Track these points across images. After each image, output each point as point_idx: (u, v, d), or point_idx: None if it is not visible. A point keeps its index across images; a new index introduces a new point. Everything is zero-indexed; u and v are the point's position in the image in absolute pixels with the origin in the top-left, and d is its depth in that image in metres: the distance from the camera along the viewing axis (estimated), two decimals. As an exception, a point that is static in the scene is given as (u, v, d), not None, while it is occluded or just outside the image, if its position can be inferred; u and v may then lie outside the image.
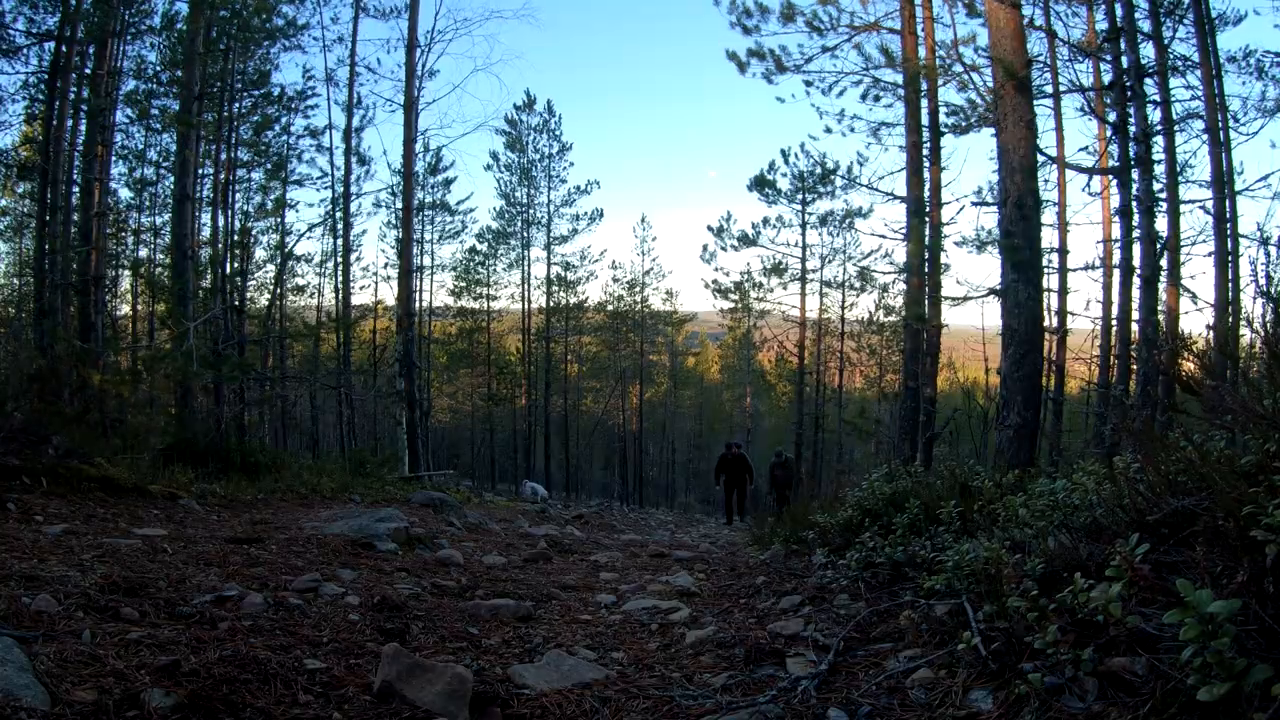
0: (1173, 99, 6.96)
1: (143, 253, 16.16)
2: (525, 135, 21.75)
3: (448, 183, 21.14)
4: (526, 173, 21.96)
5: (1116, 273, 7.83)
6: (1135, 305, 7.09)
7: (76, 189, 8.64)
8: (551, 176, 22.11)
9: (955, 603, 1.43)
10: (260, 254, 16.79)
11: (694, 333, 33.17)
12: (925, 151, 9.54)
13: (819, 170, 16.93)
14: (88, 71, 8.66)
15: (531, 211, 22.21)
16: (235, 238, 12.98)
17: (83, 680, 1.15)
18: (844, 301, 21.22)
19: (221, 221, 13.26)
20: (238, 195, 14.52)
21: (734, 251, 19.85)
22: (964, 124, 9.63)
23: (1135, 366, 6.93)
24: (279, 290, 14.53)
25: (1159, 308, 6.57)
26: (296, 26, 11.37)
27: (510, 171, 22.03)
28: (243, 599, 1.73)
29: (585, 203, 34.62)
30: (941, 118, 9.60)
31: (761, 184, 18.11)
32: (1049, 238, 8.77)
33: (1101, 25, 7.85)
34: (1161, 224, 6.82)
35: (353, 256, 17.66)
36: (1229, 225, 6.38)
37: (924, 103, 9.55)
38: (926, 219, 9.57)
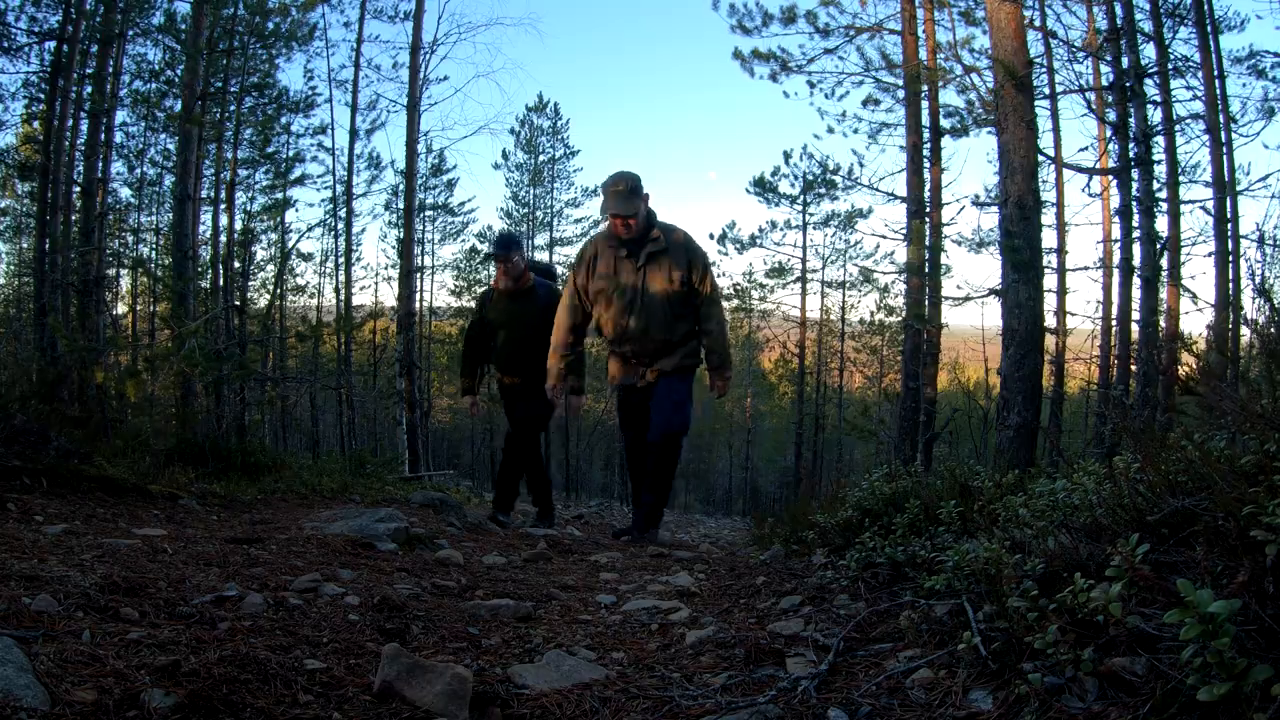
0: (1174, 99, 6.96)
1: (143, 252, 16.19)
2: (536, 137, 21.81)
3: (450, 184, 21.19)
4: (537, 174, 22.01)
5: (1116, 273, 7.83)
6: (1135, 305, 7.10)
7: (77, 189, 8.64)
8: (558, 179, 22.17)
9: (955, 603, 1.43)
10: (261, 254, 16.84)
11: (695, 333, 33.14)
12: (925, 152, 9.54)
13: (821, 172, 16.94)
14: (89, 71, 8.67)
15: (539, 214, 22.28)
16: (237, 237, 13.00)
17: (83, 680, 1.14)
18: (844, 302, 21.25)
19: (224, 221, 13.30)
20: (239, 194, 14.54)
21: (736, 255, 19.85)
22: (963, 125, 9.64)
23: (1135, 366, 6.93)
24: (279, 290, 14.55)
25: (1159, 308, 6.57)
26: (309, 27, 11.38)
27: (521, 171, 22.10)
28: (243, 599, 1.72)
29: (593, 205, 34.61)
30: (941, 119, 9.61)
31: (762, 186, 18.12)
32: (1049, 238, 8.77)
33: (1101, 25, 7.85)
34: (1162, 224, 6.83)
35: (354, 256, 17.68)
36: (1230, 225, 6.38)
37: (924, 104, 9.56)
38: (927, 219, 9.58)
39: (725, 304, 22.78)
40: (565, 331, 4.06)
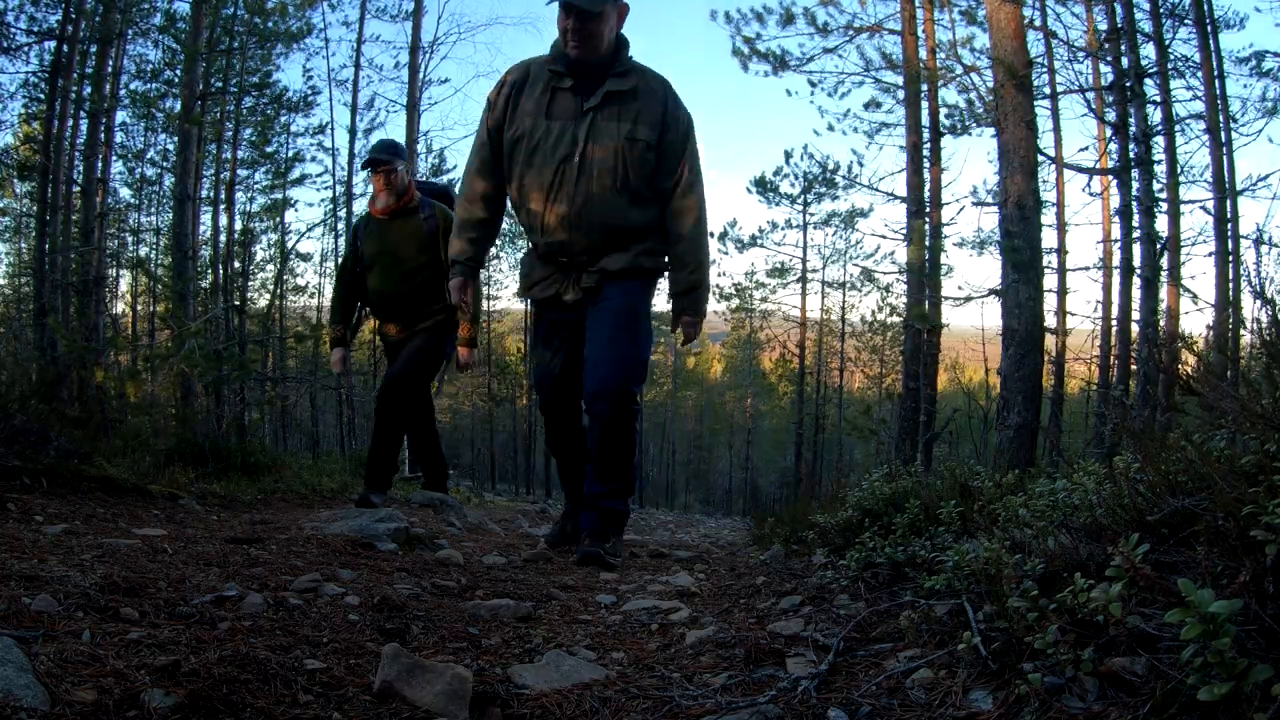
0: (1174, 99, 6.97)
1: (143, 252, 16.21)
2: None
3: (450, 185, 21.23)
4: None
5: (1116, 273, 7.84)
6: (1135, 305, 7.11)
7: (77, 189, 8.65)
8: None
9: (955, 603, 1.43)
10: (261, 254, 16.85)
11: (695, 333, 33.30)
12: (925, 152, 9.55)
13: (821, 171, 16.94)
14: (89, 71, 8.68)
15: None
16: (237, 237, 13.00)
17: (82, 680, 1.14)
18: (845, 302, 21.27)
19: (224, 221, 13.31)
20: (239, 194, 14.55)
21: (737, 254, 19.88)
22: (964, 124, 9.65)
23: (1135, 366, 6.94)
24: (279, 290, 14.55)
25: (1159, 308, 6.58)
26: (306, 24, 11.38)
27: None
28: (243, 599, 1.72)
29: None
30: (941, 119, 9.62)
31: (763, 185, 18.13)
32: (1049, 238, 8.78)
33: (1101, 25, 7.86)
34: (1162, 224, 6.85)
35: (353, 257, 17.64)
36: (1230, 225, 6.39)
37: (924, 103, 9.57)
38: (927, 219, 9.59)
39: (725, 302, 22.64)
40: (472, 203, 2.64)
